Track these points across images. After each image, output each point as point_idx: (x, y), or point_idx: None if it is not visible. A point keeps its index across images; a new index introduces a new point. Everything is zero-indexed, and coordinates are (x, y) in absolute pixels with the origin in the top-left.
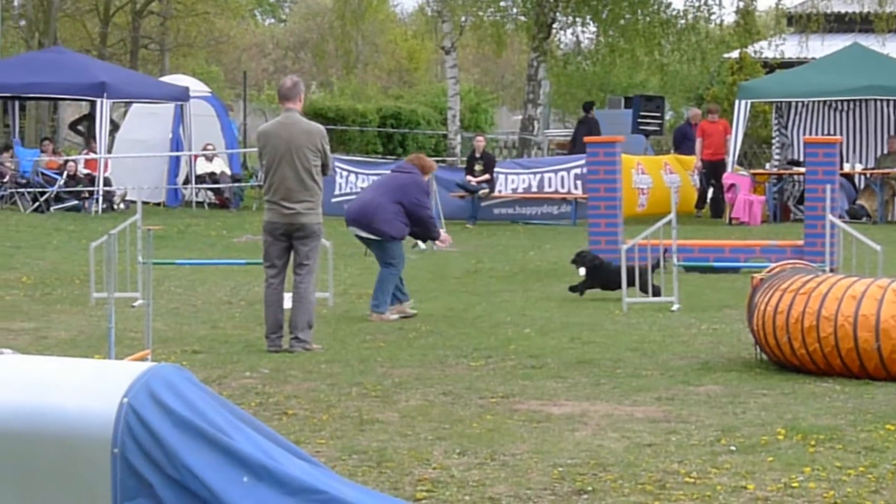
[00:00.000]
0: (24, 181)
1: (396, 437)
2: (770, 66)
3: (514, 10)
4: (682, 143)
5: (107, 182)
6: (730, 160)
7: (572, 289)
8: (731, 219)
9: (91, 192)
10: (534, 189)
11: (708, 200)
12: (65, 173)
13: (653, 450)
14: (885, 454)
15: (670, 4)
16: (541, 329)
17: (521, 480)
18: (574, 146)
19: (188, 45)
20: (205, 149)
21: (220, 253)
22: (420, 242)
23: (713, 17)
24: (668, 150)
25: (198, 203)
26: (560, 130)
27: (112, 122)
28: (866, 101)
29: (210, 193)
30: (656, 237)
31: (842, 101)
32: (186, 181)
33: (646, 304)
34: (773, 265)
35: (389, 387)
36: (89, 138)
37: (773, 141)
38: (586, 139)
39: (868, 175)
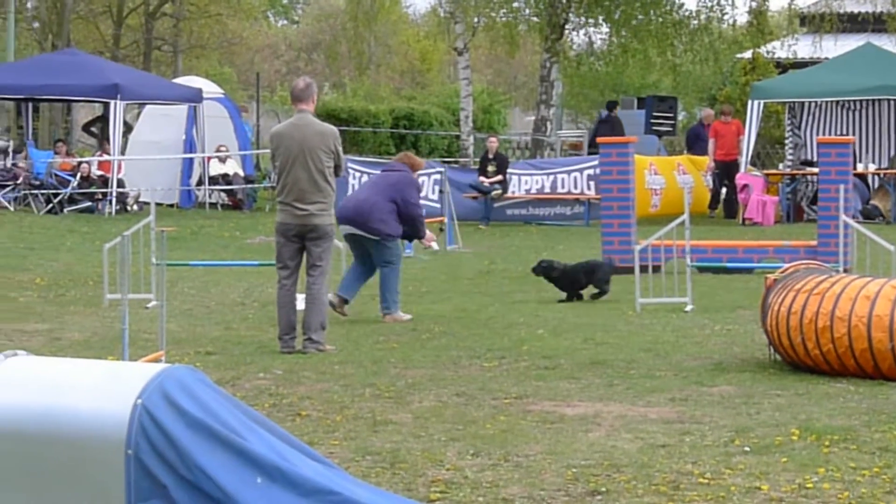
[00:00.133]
0: (37, 183)
1: (410, 439)
2: (783, 67)
3: (527, 11)
4: (695, 143)
5: (120, 183)
6: (743, 160)
7: (564, 299)
8: (744, 219)
9: (104, 194)
10: (547, 190)
11: (721, 201)
12: (78, 175)
13: (666, 451)
14: None
15: (683, 5)
16: (554, 330)
17: (534, 481)
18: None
19: (201, 47)
20: (218, 150)
21: (233, 254)
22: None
23: (726, 17)
24: (681, 151)
25: (211, 204)
26: (573, 131)
27: (125, 123)
28: (879, 100)
29: (223, 195)
30: (669, 238)
31: (855, 101)
32: (200, 182)
33: (659, 305)
34: (786, 265)
35: (403, 388)
36: (103, 140)
37: (787, 141)
38: (599, 140)
39: (881, 175)
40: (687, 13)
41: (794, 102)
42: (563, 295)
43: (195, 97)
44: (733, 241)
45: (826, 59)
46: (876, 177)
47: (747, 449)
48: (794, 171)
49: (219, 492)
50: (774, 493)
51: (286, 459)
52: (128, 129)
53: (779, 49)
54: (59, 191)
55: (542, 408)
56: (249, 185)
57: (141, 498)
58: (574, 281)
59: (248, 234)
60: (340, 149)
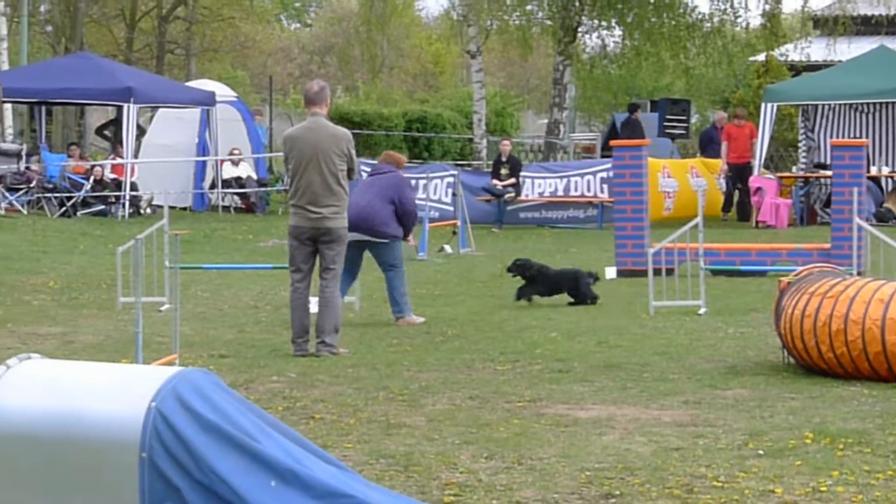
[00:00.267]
0: (51, 186)
1: (423, 441)
2: (796, 69)
3: (540, 14)
4: (708, 146)
5: (133, 187)
6: (756, 164)
7: (518, 297)
8: (757, 222)
9: (118, 197)
10: (560, 193)
11: (734, 204)
12: (91, 178)
13: (680, 454)
14: None
15: (696, 8)
16: (567, 333)
17: (548, 485)
18: None
19: (214, 50)
20: (231, 153)
21: (246, 257)
22: (446, 246)
23: (739, 20)
24: (694, 154)
25: (224, 207)
26: (586, 134)
27: (138, 126)
28: (893, 103)
29: (236, 198)
30: (683, 241)
31: (868, 103)
32: (213, 186)
33: (673, 308)
34: (800, 269)
35: (416, 391)
36: (116, 143)
37: (800, 144)
38: (612, 143)
39: (895, 178)
40: (700, 16)
41: (807, 105)
42: (516, 294)
43: (208, 100)
44: (747, 245)
45: (839, 61)
46: (889, 179)
47: (761, 452)
48: (808, 174)
49: (233, 495)
50: (788, 497)
51: (300, 462)
52: (141, 132)
53: (792, 52)
54: (72, 194)
55: (555, 411)
56: (262, 189)
57: (155, 501)
58: (554, 285)
59: (261, 238)
60: (353, 152)
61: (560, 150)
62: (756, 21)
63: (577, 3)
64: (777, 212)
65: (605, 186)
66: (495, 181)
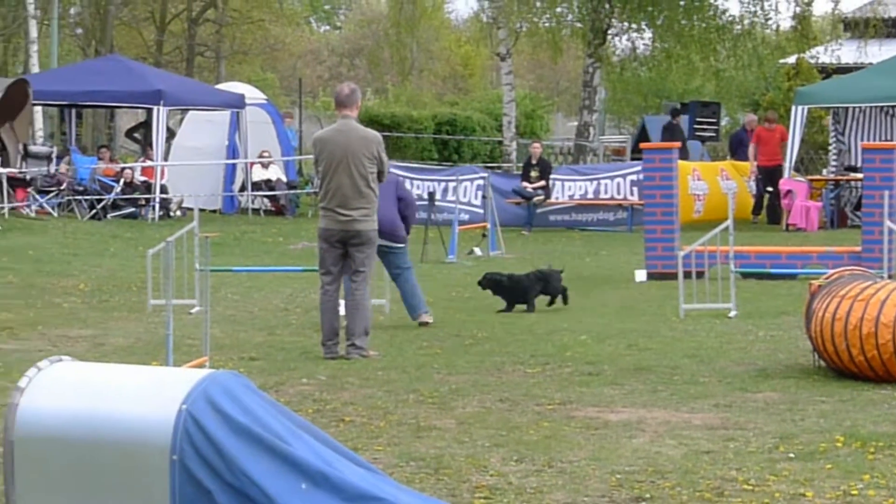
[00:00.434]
0: (81, 189)
1: (454, 444)
2: (826, 72)
3: (570, 17)
4: (739, 149)
5: (163, 189)
6: (787, 166)
7: (500, 311)
8: (787, 225)
9: (148, 200)
10: (590, 195)
11: (764, 207)
12: (122, 181)
13: (711, 457)
14: None
15: (726, 10)
16: (597, 336)
17: (578, 488)
18: None
19: (244, 53)
20: (261, 156)
21: (276, 260)
22: (476, 249)
23: (769, 22)
24: (725, 156)
25: (254, 210)
26: (616, 136)
27: (168, 129)
28: None
29: (266, 200)
30: (713, 243)
31: None
32: (242, 188)
33: (703, 311)
34: (830, 271)
35: (446, 393)
36: (146, 146)
37: (830, 147)
38: (643, 146)
39: None
40: (730, 18)
41: (838, 108)
42: (504, 305)
43: (238, 103)
44: (777, 247)
45: (870, 64)
46: None
47: (792, 455)
48: (838, 177)
49: (263, 497)
50: (819, 500)
51: (330, 465)
52: (171, 134)
53: (822, 54)
54: (102, 197)
55: (585, 414)
56: (292, 191)
57: (186, 503)
58: (526, 289)
59: (291, 240)
60: (384, 154)
61: (590, 152)
62: (786, 23)
63: (607, 6)
64: (807, 215)
65: (634, 189)
66: (525, 183)
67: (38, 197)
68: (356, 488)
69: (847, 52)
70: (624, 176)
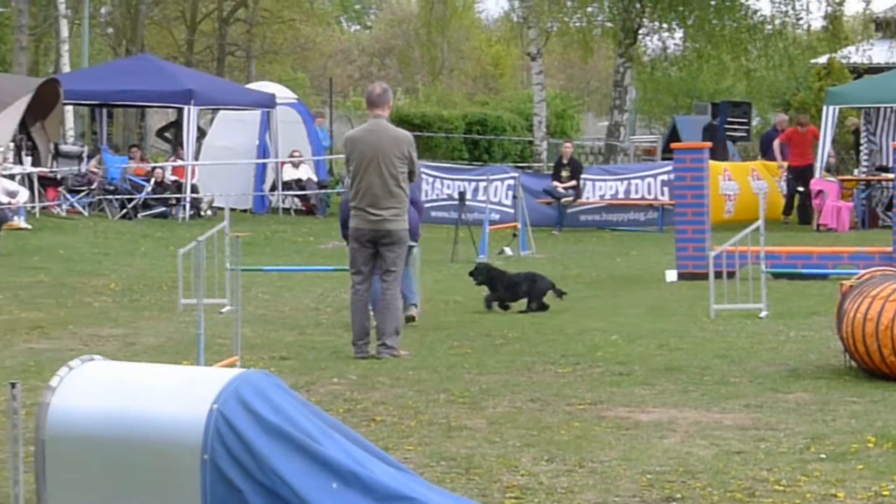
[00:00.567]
0: (112, 188)
1: (484, 444)
2: (858, 72)
3: (601, 16)
4: (769, 149)
5: (194, 189)
6: (817, 166)
7: (487, 305)
8: (818, 225)
9: (178, 199)
10: (620, 195)
11: (795, 207)
12: (152, 180)
13: (742, 457)
14: None
15: (758, 10)
16: (628, 336)
17: (609, 488)
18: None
19: (274, 52)
20: (291, 155)
21: (306, 259)
22: (507, 249)
23: (801, 22)
24: (755, 157)
25: (284, 209)
26: (646, 136)
27: (199, 128)
28: None
29: (296, 200)
30: (744, 243)
31: None
32: (273, 188)
33: (734, 311)
34: (862, 272)
35: (477, 393)
36: (176, 145)
37: (861, 147)
38: (673, 146)
39: None
40: (761, 18)
41: (869, 108)
42: (484, 301)
43: (268, 102)
44: (808, 248)
45: None
46: None
47: (823, 456)
48: (870, 177)
49: (295, 497)
50: (850, 501)
51: (361, 464)
52: (201, 134)
53: (854, 54)
54: (133, 196)
55: (616, 414)
56: (322, 191)
57: (217, 502)
58: (514, 289)
59: (322, 240)
60: (415, 154)
61: (620, 152)
62: (818, 23)
63: (638, 5)
64: (838, 215)
65: (665, 189)
66: (556, 183)
67: (69, 196)
68: (387, 488)
69: (879, 51)
70: (655, 176)
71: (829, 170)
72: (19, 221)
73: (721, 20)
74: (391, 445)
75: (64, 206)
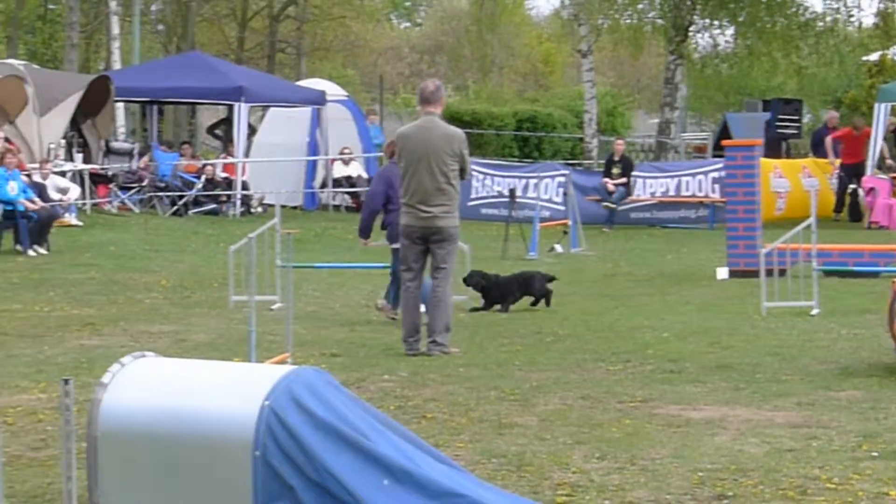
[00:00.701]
0: (162, 185)
1: (535, 441)
2: None
3: (652, 13)
4: (820, 146)
5: (244, 186)
6: (869, 164)
7: (474, 308)
8: (870, 223)
9: (229, 196)
10: (671, 193)
11: (846, 204)
12: (203, 177)
13: (793, 455)
14: None
15: (809, 7)
16: (679, 333)
17: (660, 485)
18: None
19: (325, 49)
20: (341, 152)
21: (357, 256)
22: (557, 246)
23: (852, 19)
24: (806, 154)
25: (335, 206)
26: (697, 134)
27: (249, 125)
28: None
29: (347, 197)
30: (795, 241)
31: None
32: (323, 185)
33: (785, 309)
34: None
35: (528, 390)
36: (227, 142)
37: None
38: (725, 143)
39: None
40: (813, 15)
41: None
42: (481, 304)
43: (319, 99)
44: (860, 245)
45: None
46: None
47: (875, 454)
48: None
49: (346, 493)
50: None
51: (413, 461)
52: (252, 131)
53: None
54: (183, 193)
55: (667, 411)
56: None
57: (268, 499)
58: (507, 291)
59: (372, 237)
60: (466, 152)
61: (671, 149)
62: (869, 20)
63: (688, 2)
64: (890, 212)
65: (716, 186)
66: (606, 180)
67: (119, 193)
68: (438, 485)
69: None
70: (705, 173)
71: (880, 167)
72: (70, 218)
73: (772, 17)
74: (442, 442)
75: (115, 203)
